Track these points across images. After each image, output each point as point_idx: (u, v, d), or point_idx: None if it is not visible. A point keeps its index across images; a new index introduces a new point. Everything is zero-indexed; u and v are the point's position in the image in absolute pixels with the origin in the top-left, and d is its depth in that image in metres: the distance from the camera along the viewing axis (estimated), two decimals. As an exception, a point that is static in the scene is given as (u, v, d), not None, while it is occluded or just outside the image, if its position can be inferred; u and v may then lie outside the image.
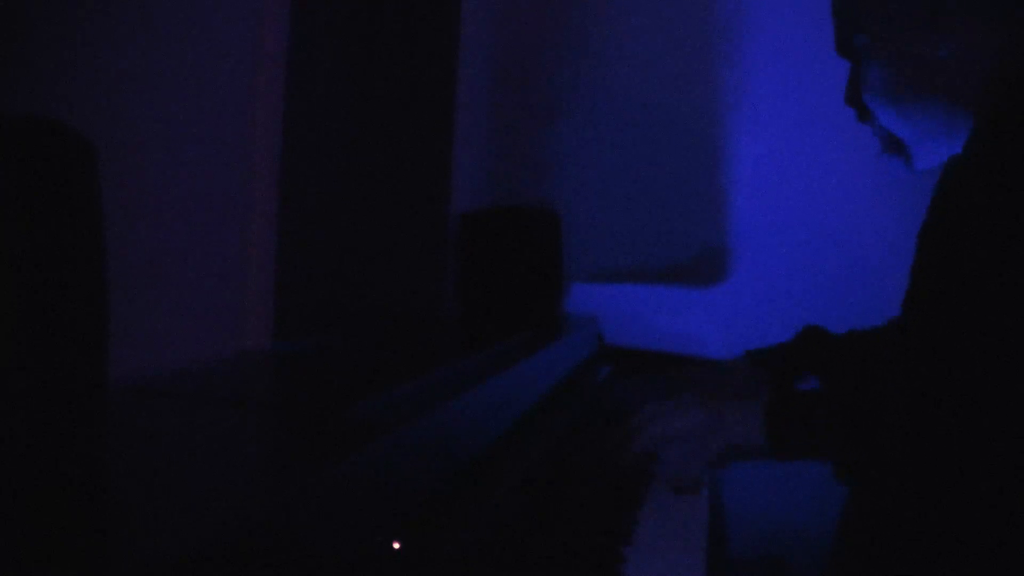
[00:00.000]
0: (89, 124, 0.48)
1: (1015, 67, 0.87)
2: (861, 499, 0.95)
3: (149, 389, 0.69)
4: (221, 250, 0.95)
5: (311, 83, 1.09)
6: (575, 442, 1.07)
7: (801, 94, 1.83)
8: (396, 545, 0.56)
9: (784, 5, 1.83)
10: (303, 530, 0.46)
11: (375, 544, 0.54)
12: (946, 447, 0.78)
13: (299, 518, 0.46)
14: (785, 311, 1.86)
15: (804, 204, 1.86)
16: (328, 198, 1.16)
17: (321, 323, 1.14)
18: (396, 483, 0.59)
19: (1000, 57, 0.88)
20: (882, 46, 0.93)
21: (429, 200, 1.53)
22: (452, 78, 1.62)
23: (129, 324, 0.67)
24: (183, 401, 0.67)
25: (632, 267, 1.93)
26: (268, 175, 1.01)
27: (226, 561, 0.38)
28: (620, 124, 1.93)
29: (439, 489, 0.66)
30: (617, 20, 1.92)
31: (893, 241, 1.79)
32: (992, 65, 0.88)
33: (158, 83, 0.82)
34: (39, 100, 0.68)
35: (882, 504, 0.89)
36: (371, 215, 1.28)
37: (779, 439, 0.90)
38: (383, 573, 0.54)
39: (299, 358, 0.94)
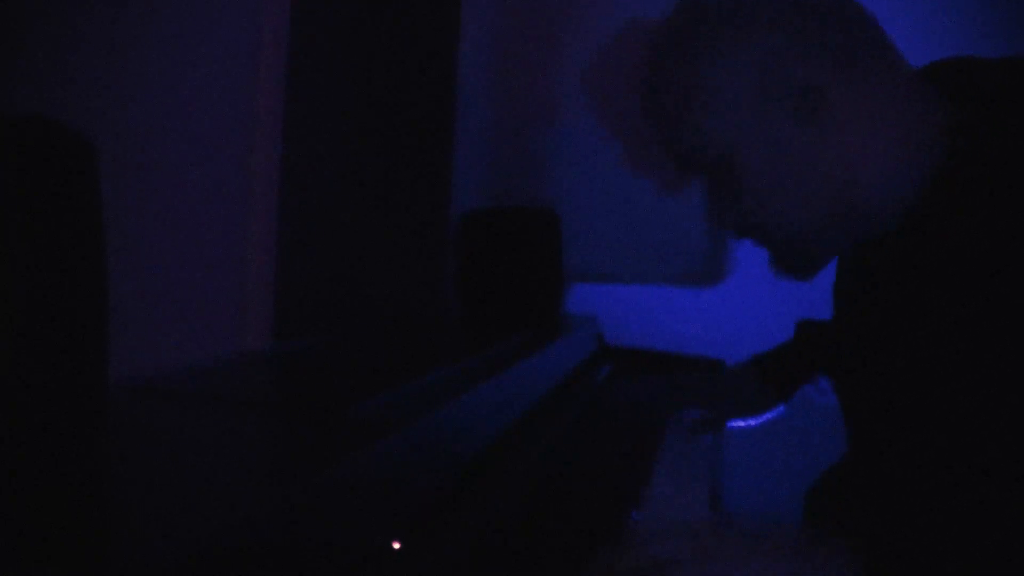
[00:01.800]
0: (89, 124, 0.48)
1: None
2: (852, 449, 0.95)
3: (149, 389, 0.69)
4: (221, 250, 0.94)
5: (311, 83, 1.09)
6: (575, 442, 1.07)
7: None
8: (396, 545, 0.56)
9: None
10: (303, 530, 0.46)
11: (375, 544, 0.54)
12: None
13: (299, 518, 0.46)
14: (785, 311, 1.86)
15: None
16: (328, 198, 1.17)
17: (321, 323, 1.14)
18: (396, 483, 0.59)
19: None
20: (741, 149, 0.79)
21: (429, 200, 1.53)
22: (452, 78, 1.62)
23: (129, 324, 0.67)
24: (183, 401, 0.67)
25: (632, 267, 1.93)
26: (268, 175, 1.01)
27: (226, 561, 0.38)
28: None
29: (439, 489, 0.66)
30: (617, 20, 1.92)
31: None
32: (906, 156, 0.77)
33: (158, 83, 0.82)
34: (39, 100, 0.68)
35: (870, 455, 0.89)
36: (371, 215, 1.28)
37: (769, 362, 0.90)
38: (383, 573, 0.54)
39: (299, 358, 0.94)
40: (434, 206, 1.55)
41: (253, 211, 0.99)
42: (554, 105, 1.95)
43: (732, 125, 0.79)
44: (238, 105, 0.96)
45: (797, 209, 0.80)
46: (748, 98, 0.78)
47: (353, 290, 1.23)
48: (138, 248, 0.79)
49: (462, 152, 1.69)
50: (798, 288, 1.88)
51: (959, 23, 1.55)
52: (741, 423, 1.05)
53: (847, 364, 0.89)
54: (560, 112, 1.95)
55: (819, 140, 0.77)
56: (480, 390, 0.80)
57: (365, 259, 1.27)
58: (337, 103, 1.18)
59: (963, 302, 0.71)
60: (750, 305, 1.88)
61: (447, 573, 0.61)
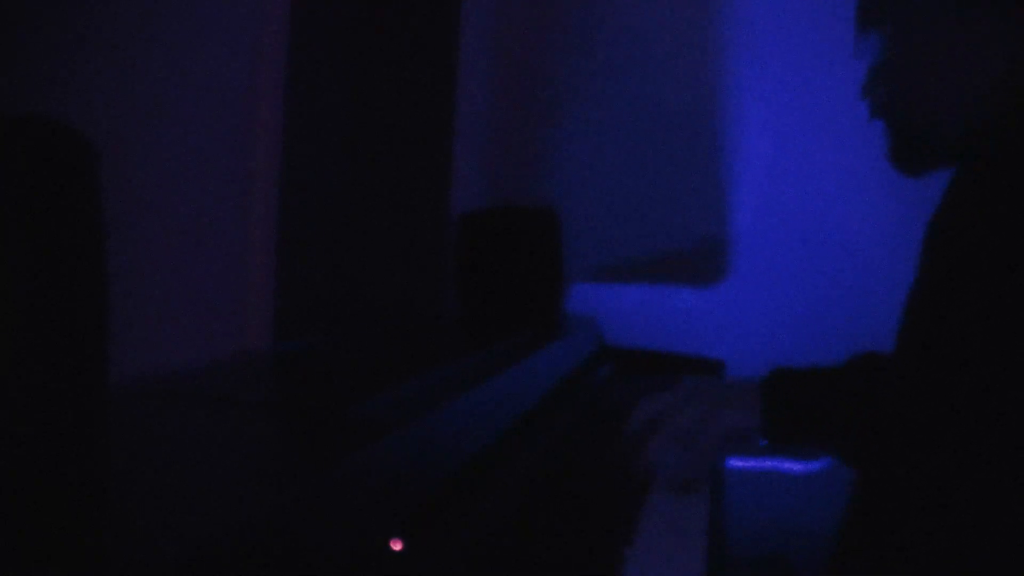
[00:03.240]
0: (89, 124, 0.48)
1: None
2: (863, 497, 0.95)
3: (149, 389, 0.69)
4: (221, 250, 0.95)
5: (311, 83, 1.09)
6: (575, 442, 1.07)
7: (802, 93, 1.83)
8: (396, 545, 0.56)
9: (785, 5, 1.83)
10: (303, 530, 0.46)
11: (375, 544, 0.54)
12: (948, 450, 0.78)
13: (299, 518, 0.46)
14: (785, 311, 1.86)
15: (804, 204, 1.86)
16: (328, 198, 1.17)
17: (321, 323, 1.14)
18: (396, 483, 0.59)
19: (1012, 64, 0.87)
20: (903, 34, 0.92)
21: (429, 200, 1.53)
22: (452, 78, 1.62)
23: (129, 324, 0.67)
24: (183, 401, 0.67)
25: (632, 267, 1.93)
26: (268, 175, 1.01)
27: (226, 561, 0.38)
28: (620, 123, 1.93)
29: (439, 489, 0.66)
30: (618, 19, 1.92)
31: (894, 241, 1.79)
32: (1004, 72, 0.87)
33: (158, 83, 0.82)
34: (39, 100, 0.68)
35: (883, 498, 0.89)
36: (371, 215, 1.28)
37: (776, 425, 0.90)
38: (383, 573, 0.54)
39: (299, 358, 0.94)
40: (434, 206, 1.55)
41: (253, 211, 0.99)
42: (554, 104, 1.95)
43: (909, 12, 0.91)
44: (238, 105, 0.96)
45: (944, 100, 0.90)
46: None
47: (353, 290, 1.23)
48: (138, 248, 0.79)
49: (462, 152, 1.69)
50: (797, 288, 1.88)
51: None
52: (740, 463, 1.03)
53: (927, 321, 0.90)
54: (560, 111, 1.95)
55: (972, 43, 0.88)
56: (480, 390, 0.80)
57: (365, 259, 1.27)
58: (337, 103, 1.18)
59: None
60: (750, 305, 1.88)
61: (447, 573, 0.61)
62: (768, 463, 1.04)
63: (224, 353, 0.92)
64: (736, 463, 1.08)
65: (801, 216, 1.86)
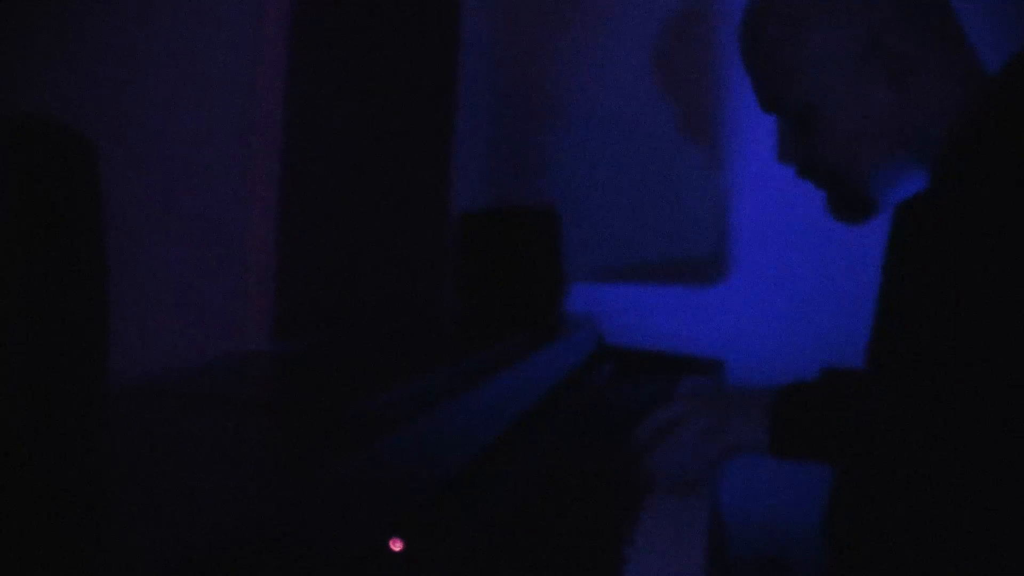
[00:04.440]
0: (89, 124, 0.48)
1: (980, 116, 0.86)
2: (846, 495, 0.95)
3: (149, 389, 0.69)
4: (221, 250, 0.94)
5: (311, 83, 1.09)
6: (575, 442, 1.07)
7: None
8: (396, 545, 0.56)
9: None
10: (303, 530, 0.46)
11: (375, 544, 0.54)
12: (941, 460, 0.79)
13: (299, 518, 0.46)
14: (785, 310, 1.86)
15: (804, 204, 1.86)
16: (328, 198, 1.17)
17: (321, 323, 1.14)
18: (396, 483, 0.59)
19: (959, 110, 0.88)
20: (828, 102, 0.91)
21: (429, 200, 1.53)
22: (452, 78, 1.62)
23: (129, 324, 0.67)
24: (183, 401, 0.67)
25: (632, 267, 1.93)
26: (268, 175, 1.01)
27: (226, 561, 0.38)
28: (620, 124, 1.93)
29: (439, 489, 0.66)
30: (617, 20, 1.92)
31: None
32: (951, 117, 0.88)
33: (158, 83, 0.82)
34: (39, 100, 0.68)
35: (878, 506, 0.90)
36: (371, 215, 1.28)
37: (782, 438, 0.90)
38: (383, 573, 0.54)
39: (299, 358, 0.94)
40: (434, 206, 1.55)
41: (253, 211, 0.99)
42: (555, 104, 1.95)
43: (828, 81, 0.90)
44: (238, 105, 0.96)
45: (870, 158, 0.91)
46: (848, 61, 0.89)
47: (353, 290, 1.23)
48: (138, 248, 0.79)
49: (462, 152, 1.69)
50: (798, 289, 1.88)
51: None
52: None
53: (891, 342, 0.92)
54: (560, 111, 1.95)
55: (905, 103, 0.88)
56: (480, 390, 0.80)
57: (365, 259, 1.27)
58: (337, 103, 1.18)
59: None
60: (750, 305, 1.88)
61: (447, 573, 0.61)
62: (767, 464, 1.04)
63: (224, 353, 0.92)
64: (736, 464, 1.08)
65: (801, 217, 1.86)
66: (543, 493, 0.89)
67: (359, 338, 1.11)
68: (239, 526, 0.40)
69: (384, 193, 1.33)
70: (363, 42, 1.25)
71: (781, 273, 1.87)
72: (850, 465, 0.92)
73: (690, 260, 1.91)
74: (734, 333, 1.86)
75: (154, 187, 0.83)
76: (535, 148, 1.96)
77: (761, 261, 1.88)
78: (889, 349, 0.94)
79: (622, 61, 1.92)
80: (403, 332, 1.24)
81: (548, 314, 1.53)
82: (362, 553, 0.52)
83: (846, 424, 0.87)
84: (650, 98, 1.91)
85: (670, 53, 1.90)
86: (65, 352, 0.43)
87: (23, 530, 0.37)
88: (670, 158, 1.91)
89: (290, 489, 0.47)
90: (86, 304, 0.44)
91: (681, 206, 1.91)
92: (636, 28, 1.91)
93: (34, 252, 0.41)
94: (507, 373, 0.91)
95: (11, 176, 0.40)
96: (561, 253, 1.65)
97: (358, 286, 1.25)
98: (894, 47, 0.87)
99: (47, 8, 0.68)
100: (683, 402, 0.99)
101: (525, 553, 0.75)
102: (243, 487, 0.48)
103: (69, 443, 0.44)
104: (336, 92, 1.18)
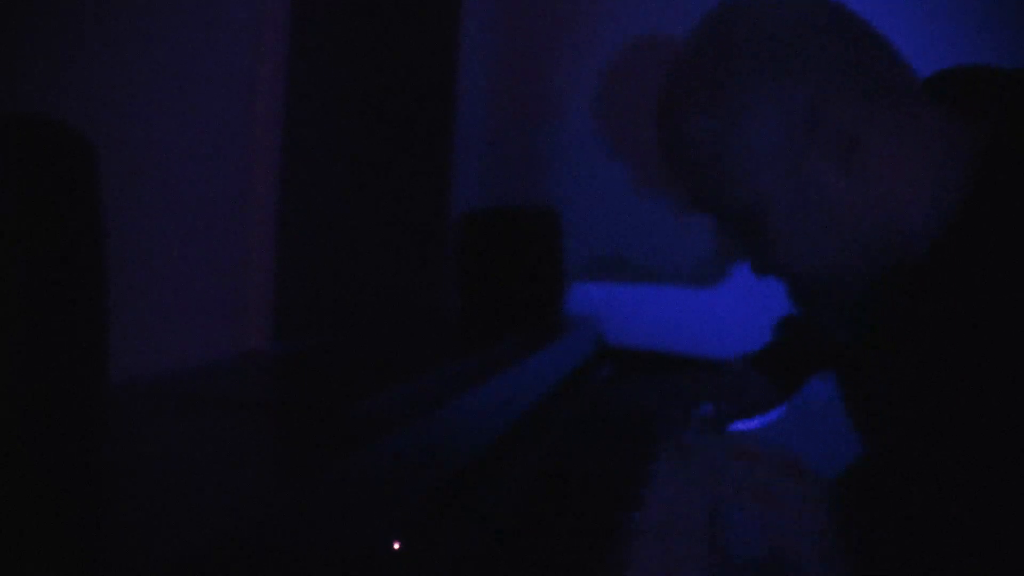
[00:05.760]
0: (89, 124, 0.48)
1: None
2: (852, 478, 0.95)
3: (149, 389, 0.69)
4: (221, 250, 0.94)
5: (311, 83, 1.09)
6: (575, 442, 1.07)
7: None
8: (396, 545, 0.56)
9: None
10: (303, 530, 0.46)
11: (375, 544, 0.54)
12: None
13: (299, 518, 0.46)
14: (785, 310, 1.86)
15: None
16: (328, 198, 1.17)
17: (321, 323, 1.14)
18: (396, 483, 0.59)
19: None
20: (774, 200, 0.77)
21: (429, 200, 1.53)
22: (452, 78, 1.62)
23: (129, 324, 0.67)
24: (183, 402, 0.67)
25: (632, 267, 1.93)
26: (268, 175, 1.01)
27: (226, 561, 0.38)
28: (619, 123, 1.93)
29: (439, 489, 0.66)
30: (617, 20, 1.92)
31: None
32: (925, 199, 0.75)
33: (158, 83, 0.82)
34: (39, 100, 0.68)
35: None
36: (371, 215, 1.28)
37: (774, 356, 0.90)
38: (383, 573, 0.54)
39: (299, 358, 0.94)
40: (434, 206, 1.55)
41: (253, 211, 0.98)
42: (554, 104, 1.95)
43: (768, 175, 0.76)
44: (238, 105, 0.96)
45: (830, 253, 0.77)
46: (788, 147, 0.75)
47: (353, 290, 1.23)
48: (138, 248, 0.79)
49: (462, 152, 1.69)
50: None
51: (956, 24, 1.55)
52: (741, 425, 1.05)
53: (869, 408, 0.88)
54: (560, 111, 1.95)
55: (859, 187, 0.75)
56: (480, 390, 0.80)
57: (365, 259, 1.27)
58: (337, 103, 1.18)
59: (995, 333, 0.69)
60: (750, 305, 1.88)
61: (447, 573, 0.61)
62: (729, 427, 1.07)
63: (224, 353, 0.92)
64: (736, 425, 1.10)
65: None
66: (543, 493, 0.89)
67: (359, 338, 1.11)
68: (239, 526, 0.40)
69: (384, 193, 1.33)
70: (363, 42, 1.25)
71: (781, 273, 1.87)
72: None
73: (690, 260, 1.91)
74: (734, 333, 1.86)
75: (154, 187, 0.83)
76: (535, 148, 1.96)
77: (761, 261, 1.88)
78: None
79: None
80: (403, 332, 1.24)
81: (548, 314, 1.53)
82: (362, 553, 0.52)
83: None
84: (650, 98, 1.91)
85: (670, 52, 1.90)
86: (65, 352, 0.43)
87: (23, 530, 0.37)
88: (670, 158, 1.91)
89: (291, 489, 0.47)
90: (86, 304, 0.44)
91: (681, 206, 1.91)
92: (636, 28, 1.91)
93: (34, 252, 0.41)
94: (507, 373, 0.91)
95: (11, 176, 0.40)
96: (561, 253, 1.65)
97: (358, 286, 1.25)
98: (837, 119, 0.74)
99: (47, 8, 0.68)
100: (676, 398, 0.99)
101: (525, 553, 0.75)
102: (243, 487, 0.48)
103: (69, 443, 0.44)
104: (336, 92, 1.18)
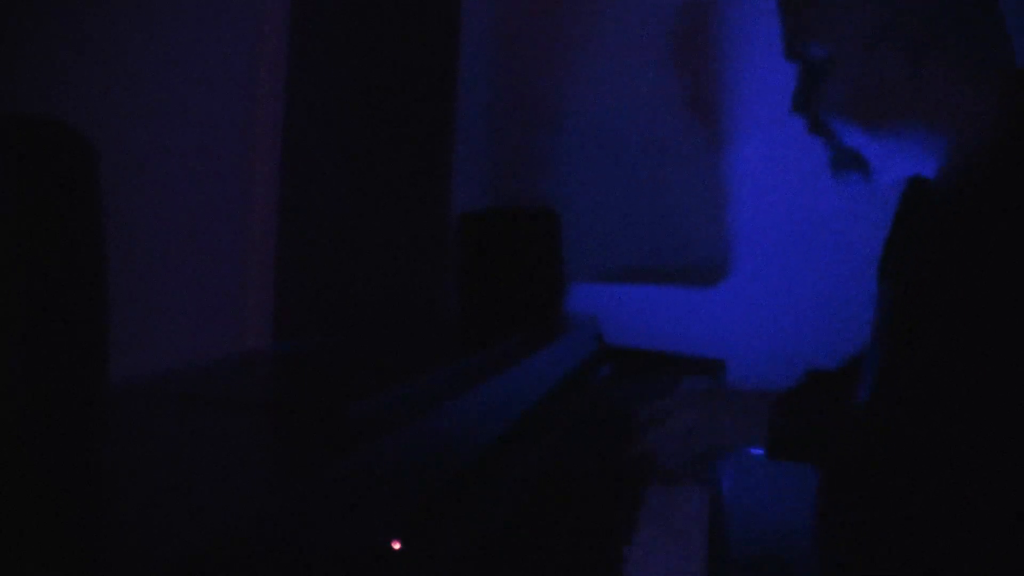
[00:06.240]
0: (89, 124, 0.48)
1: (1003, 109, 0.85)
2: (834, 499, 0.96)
3: (149, 389, 0.69)
4: (221, 250, 0.95)
5: (311, 83, 1.09)
6: (575, 442, 1.07)
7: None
8: (396, 545, 0.56)
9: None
10: (303, 530, 0.46)
11: (375, 544, 0.54)
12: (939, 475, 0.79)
13: (299, 518, 0.46)
14: (785, 310, 1.86)
15: (804, 203, 1.86)
16: (328, 198, 1.17)
17: (321, 323, 1.14)
18: (396, 483, 0.59)
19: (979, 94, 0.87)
20: (845, 60, 0.90)
21: (429, 200, 1.53)
22: (452, 78, 1.62)
23: (129, 324, 0.67)
24: (183, 401, 0.67)
25: (632, 267, 1.93)
26: (268, 175, 1.01)
27: (226, 561, 0.38)
28: (620, 124, 1.93)
29: (439, 489, 0.66)
30: (616, 21, 1.92)
31: (893, 241, 1.79)
32: (971, 114, 0.87)
33: (158, 83, 0.82)
34: (39, 100, 0.68)
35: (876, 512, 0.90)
36: (371, 215, 1.28)
37: (780, 442, 0.91)
38: (383, 573, 0.54)
39: (299, 358, 0.94)
40: (434, 206, 1.55)
41: (253, 211, 0.99)
42: (554, 104, 1.95)
43: (849, 41, 0.89)
44: (238, 105, 0.96)
45: (874, 124, 0.90)
46: (871, 29, 0.88)
47: (353, 290, 1.23)
48: (138, 248, 0.79)
49: (462, 152, 1.69)
50: (797, 289, 1.88)
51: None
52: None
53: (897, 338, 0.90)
54: (560, 111, 1.95)
55: (919, 82, 0.87)
56: (480, 390, 0.80)
57: (365, 259, 1.27)
58: (337, 103, 1.18)
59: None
60: (750, 305, 1.88)
61: (447, 573, 0.61)
62: (767, 464, 1.05)
63: (224, 353, 0.92)
64: (736, 463, 1.10)
65: (801, 216, 1.86)
66: (543, 493, 0.89)
67: (359, 338, 1.11)
68: (239, 526, 0.40)
69: (384, 193, 1.33)
70: (363, 42, 1.25)
71: (781, 273, 1.87)
72: (841, 470, 0.92)
73: (690, 260, 1.91)
74: (734, 333, 1.86)
75: (154, 187, 0.83)
76: (535, 148, 1.96)
77: (761, 261, 1.88)
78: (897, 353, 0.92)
79: (622, 62, 1.92)
80: (403, 332, 1.24)
81: (548, 314, 1.53)
82: (362, 553, 0.52)
83: (839, 432, 0.87)
84: (650, 98, 1.91)
85: (670, 53, 1.90)
86: (65, 352, 0.43)
87: (23, 530, 0.37)
88: (670, 158, 1.91)
89: (291, 489, 0.47)
90: (86, 304, 0.44)
91: (681, 206, 1.91)
92: (636, 29, 1.91)
93: (34, 252, 0.41)
94: (507, 373, 0.91)
95: (11, 176, 0.40)
96: (561, 253, 1.65)
97: (358, 286, 1.25)
98: (917, 29, 0.86)
99: (47, 8, 0.68)
100: (676, 399, 1.00)
101: (525, 553, 0.75)
102: (244, 487, 0.48)
103: (69, 443, 0.44)
104: (336, 92, 1.18)
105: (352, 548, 0.51)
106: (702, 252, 1.91)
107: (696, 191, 1.90)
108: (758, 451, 0.93)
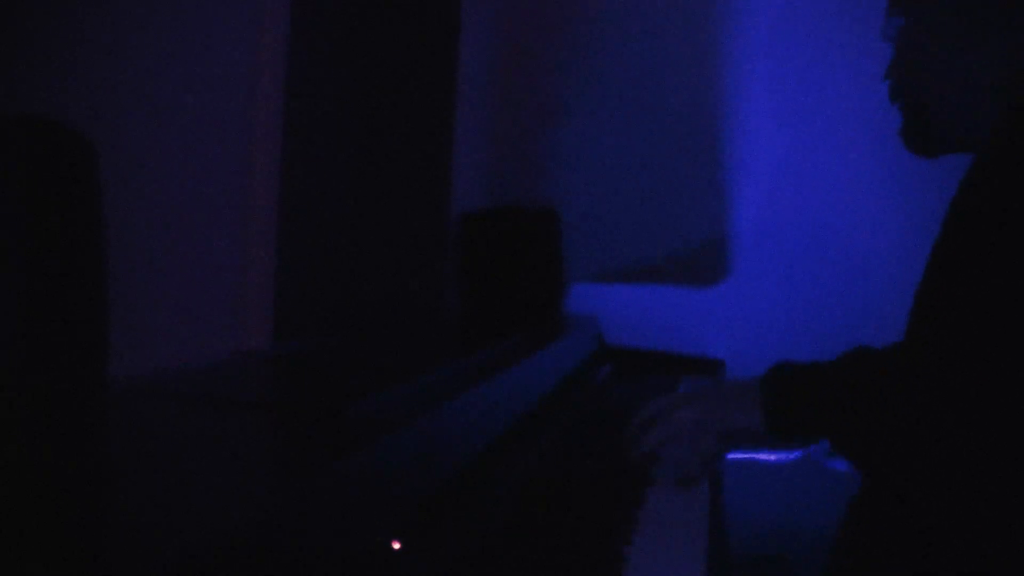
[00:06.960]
0: (89, 124, 0.48)
1: None
2: (865, 497, 0.95)
3: (149, 389, 0.69)
4: (221, 250, 0.95)
5: (311, 83, 1.09)
6: (575, 442, 1.07)
7: (801, 92, 1.83)
8: (396, 545, 0.56)
9: (787, 5, 1.83)
10: (303, 530, 0.46)
11: (375, 544, 0.54)
12: (952, 445, 0.78)
13: (299, 518, 0.46)
14: (785, 310, 1.86)
15: (804, 203, 1.86)
16: (328, 198, 1.17)
17: (321, 323, 1.14)
18: (396, 483, 0.59)
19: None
20: (918, 28, 0.96)
21: (429, 200, 1.53)
22: (452, 78, 1.62)
23: (129, 324, 0.67)
24: (183, 401, 0.67)
25: (632, 267, 1.93)
26: (268, 175, 1.01)
27: (226, 561, 0.38)
28: (620, 123, 1.93)
29: (439, 489, 0.66)
30: (616, 19, 1.92)
31: (894, 239, 1.79)
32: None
33: (158, 83, 0.82)
34: (39, 100, 0.68)
35: (884, 495, 0.89)
36: (371, 215, 1.28)
37: (777, 418, 0.90)
38: (383, 573, 0.54)
39: (299, 358, 0.94)
40: (434, 206, 1.55)
41: (253, 211, 0.99)
42: (554, 105, 1.95)
43: (932, 15, 0.95)
44: (238, 105, 0.96)
45: (950, 96, 0.95)
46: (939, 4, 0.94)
47: (353, 290, 1.23)
48: (138, 248, 0.79)
49: (462, 152, 1.69)
50: (797, 288, 1.88)
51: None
52: (764, 456, 1.03)
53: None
54: (560, 112, 1.95)
55: (993, 55, 0.92)
56: (480, 390, 0.80)
57: (365, 259, 1.27)
58: (337, 103, 1.18)
59: None
60: (750, 305, 1.88)
61: (447, 573, 0.61)
62: (744, 455, 1.05)
63: (224, 353, 0.92)
64: (736, 463, 1.09)
65: (801, 216, 1.86)
66: (543, 493, 0.88)
67: (359, 338, 1.11)
68: (239, 526, 0.40)
69: (384, 193, 1.33)
70: (363, 42, 1.25)
71: (781, 273, 1.87)
72: (847, 445, 0.91)
73: (690, 260, 1.91)
74: (734, 333, 1.86)
75: (154, 187, 0.83)
76: (535, 148, 1.96)
77: (761, 261, 1.88)
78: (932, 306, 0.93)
79: (622, 62, 1.92)
80: (403, 332, 1.24)
81: (548, 314, 1.53)
82: (362, 553, 0.52)
83: (844, 402, 0.86)
84: (650, 99, 1.91)
85: (671, 54, 1.90)
86: (65, 352, 0.43)
87: (23, 530, 0.37)
88: (670, 158, 1.91)
89: (291, 489, 0.47)
90: (86, 304, 0.44)
91: (681, 206, 1.91)
92: (636, 29, 1.91)
93: (35, 251, 0.41)
94: (507, 373, 0.91)
95: (12, 176, 0.40)
96: (561, 253, 1.65)
97: (358, 286, 1.25)
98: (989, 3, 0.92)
99: (47, 8, 0.68)
100: (674, 396, 0.99)
101: (525, 553, 0.75)
102: (244, 487, 0.48)
103: (69, 443, 0.44)
104: (336, 92, 1.18)
105: (352, 548, 0.51)
106: (702, 252, 1.91)
107: (696, 191, 1.90)
108: (759, 454, 0.93)
